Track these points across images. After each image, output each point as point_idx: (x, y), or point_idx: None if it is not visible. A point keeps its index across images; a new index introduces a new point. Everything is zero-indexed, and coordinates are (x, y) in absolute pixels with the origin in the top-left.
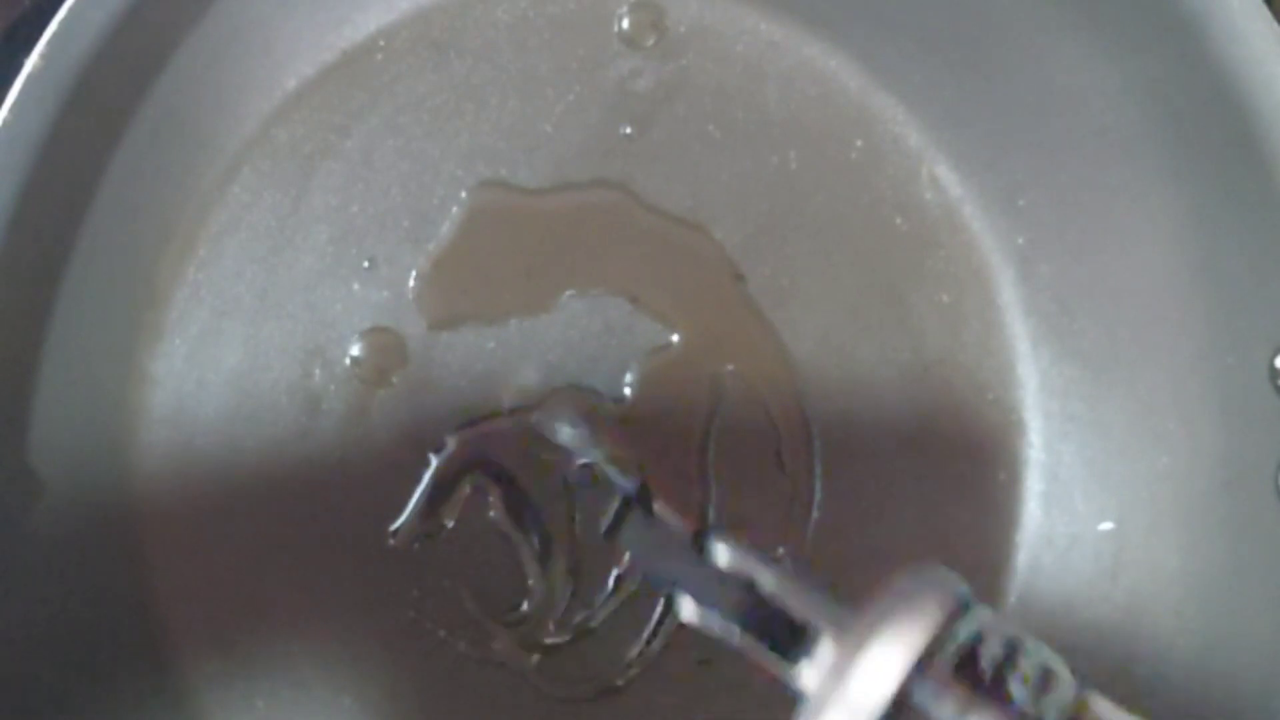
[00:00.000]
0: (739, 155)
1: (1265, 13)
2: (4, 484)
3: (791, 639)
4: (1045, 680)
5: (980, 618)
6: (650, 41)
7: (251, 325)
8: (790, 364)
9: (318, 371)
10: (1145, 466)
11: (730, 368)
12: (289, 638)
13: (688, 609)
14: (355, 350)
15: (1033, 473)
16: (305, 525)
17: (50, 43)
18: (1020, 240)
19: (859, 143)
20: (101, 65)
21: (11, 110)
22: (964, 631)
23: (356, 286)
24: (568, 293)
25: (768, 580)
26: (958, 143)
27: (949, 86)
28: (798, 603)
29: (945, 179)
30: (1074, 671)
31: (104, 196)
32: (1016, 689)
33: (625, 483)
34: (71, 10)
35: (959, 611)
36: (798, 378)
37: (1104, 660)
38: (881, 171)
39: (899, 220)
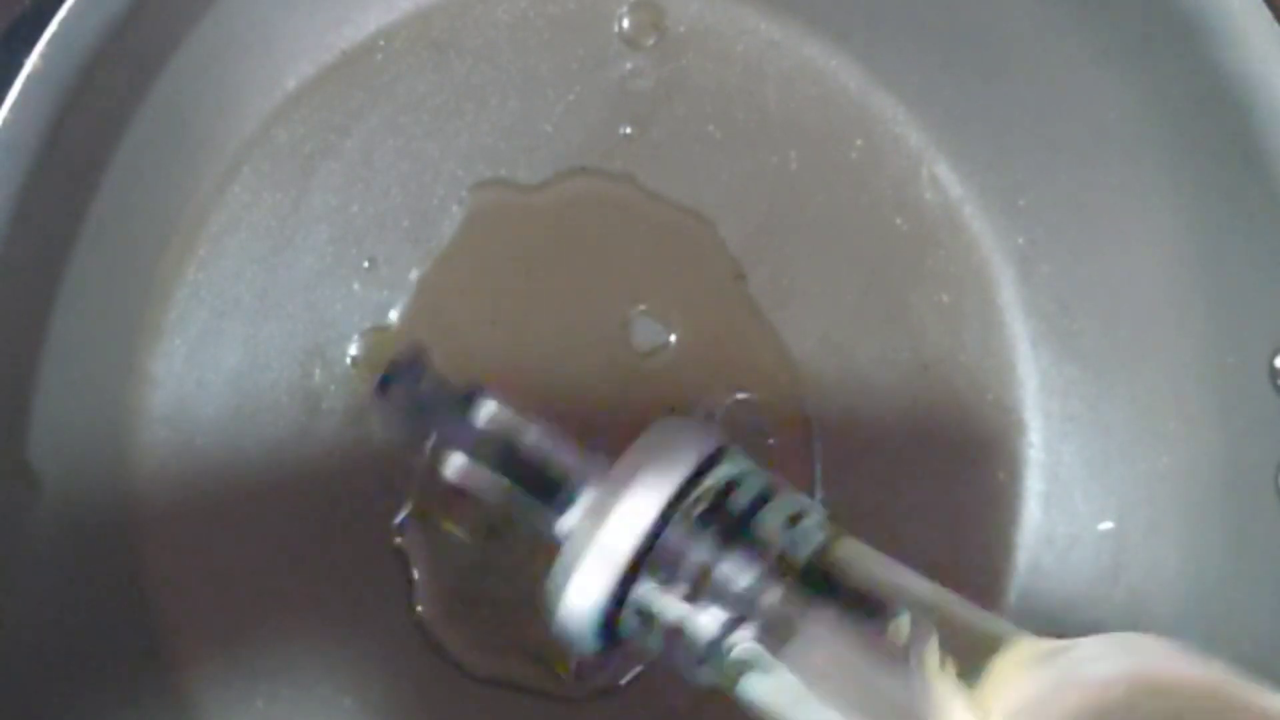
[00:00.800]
0: (739, 155)
1: (1266, 13)
2: (3, 483)
3: (553, 491)
4: (793, 521)
5: (733, 468)
6: (650, 41)
7: (251, 325)
8: (790, 363)
9: (318, 371)
10: (1145, 466)
11: (730, 367)
12: (289, 638)
13: (454, 465)
14: (355, 350)
15: (1032, 473)
16: (305, 525)
17: (50, 43)
18: (1020, 240)
19: (859, 143)
20: (102, 65)
21: (11, 110)
22: (716, 479)
23: (357, 286)
24: (567, 292)
25: (531, 434)
26: (958, 143)
27: (949, 87)
28: (559, 455)
29: (945, 179)
30: (828, 520)
31: (104, 196)
32: (764, 531)
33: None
34: (71, 10)
35: (710, 460)
36: (798, 377)
37: None
38: (882, 171)
39: (899, 220)
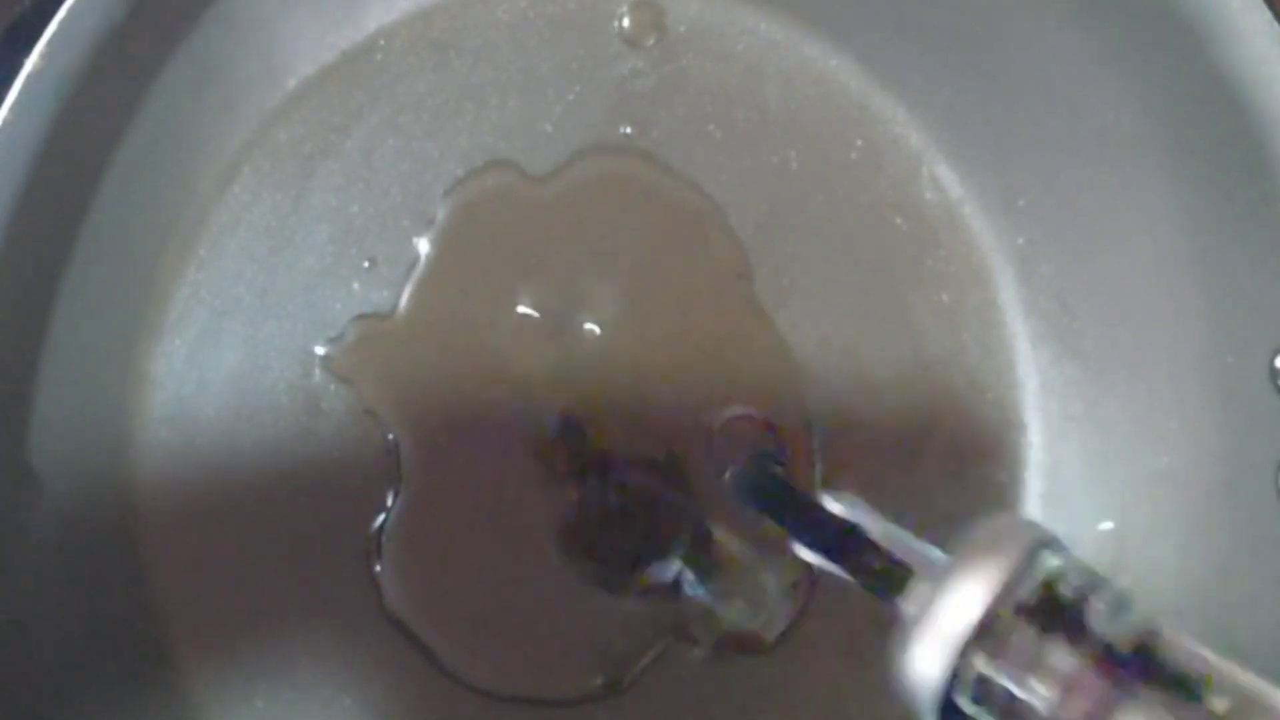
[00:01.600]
0: (739, 155)
1: (1266, 13)
2: (4, 484)
3: (891, 579)
4: (1118, 608)
5: (1060, 557)
6: (650, 41)
7: (251, 325)
8: (791, 363)
9: (317, 371)
10: (1145, 466)
11: (730, 366)
12: (289, 637)
13: (806, 554)
14: (324, 349)
15: (1033, 472)
16: (305, 524)
17: (50, 42)
18: (1020, 240)
19: (859, 143)
20: (102, 65)
21: (12, 110)
22: (1044, 568)
23: (357, 286)
24: (567, 292)
25: (873, 526)
26: (958, 143)
27: (949, 87)
28: (900, 548)
29: (945, 179)
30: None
31: (104, 196)
32: (1091, 619)
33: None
34: (71, 10)
35: (1038, 549)
36: (799, 376)
37: None
38: (882, 171)
39: (899, 220)
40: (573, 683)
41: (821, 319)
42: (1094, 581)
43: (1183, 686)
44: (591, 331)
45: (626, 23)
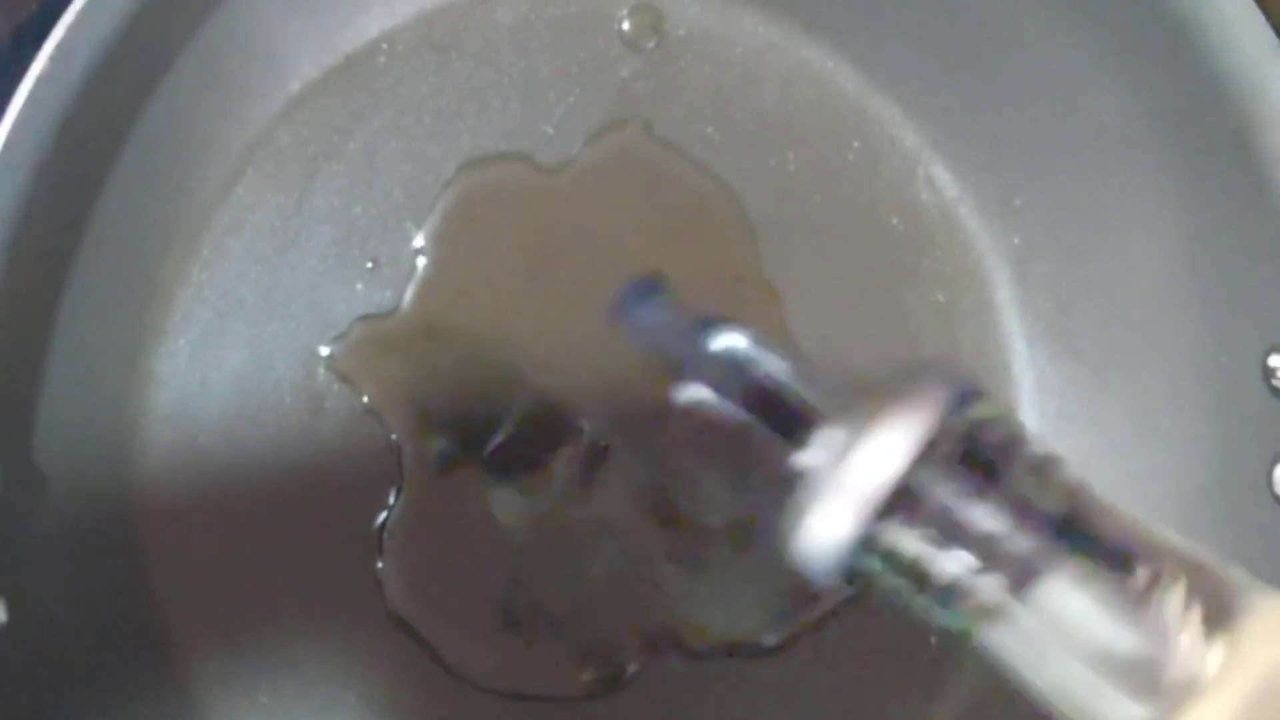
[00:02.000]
0: (738, 157)
1: (1258, 15)
2: (8, 482)
3: (794, 423)
4: (1044, 466)
5: (985, 408)
6: (650, 44)
7: (255, 325)
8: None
9: (321, 371)
10: (1140, 464)
11: None
12: (291, 635)
13: (691, 390)
14: (330, 349)
15: None
16: (308, 523)
17: (58, 45)
18: (1016, 240)
19: (856, 144)
20: (108, 68)
21: (20, 112)
22: (967, 420)
23: (360, 287)
24: (567, 292)
25: (773, 364)
26: (954, 144)
27: (945, 88)
28: (803, 387)
29: (941, 180)
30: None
31: (109, 197)
32: (1016, 475)
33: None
34: (78, 14)
35: (963, 400)
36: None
37: None
38: (878, 172)
39: (896, 221)
40: (573, 680)
41: (818, 318)
42: (1021, 436)
43: (1111, 552)
44: (592, 330)
45: (626, 26)
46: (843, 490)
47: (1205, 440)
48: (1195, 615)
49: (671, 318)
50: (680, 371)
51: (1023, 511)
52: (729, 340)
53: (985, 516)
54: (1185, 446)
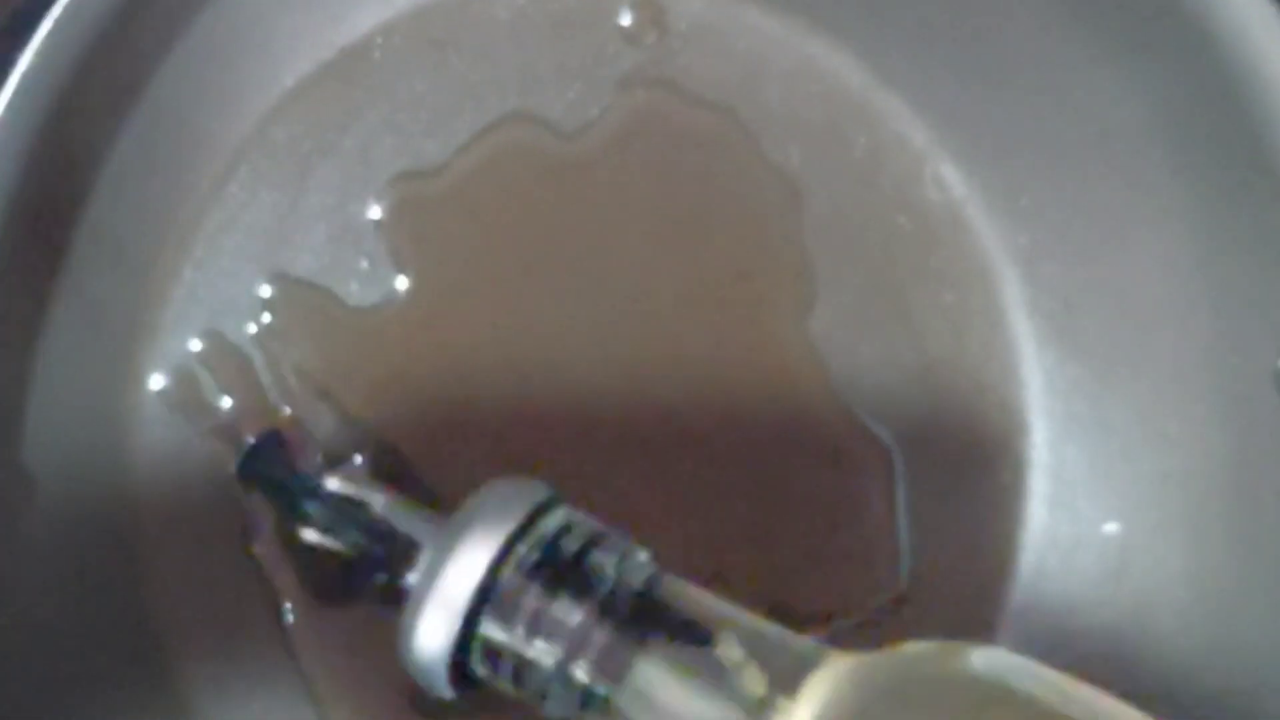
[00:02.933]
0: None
1: (1271, 11)
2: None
3: (403, 553)
4: (626, 558)
5: (561, 517)
6: (651, 39)
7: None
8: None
9: None
10: (1150, 468)
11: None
12: (288, 636)
13: (309, 534)
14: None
15: (1036, 474)
16: None
17: (46, 39)
18: (1024, 240)
19: (862, 141)
20: (97, 62)
21: (7, 107)
22: (547, 526)
23: (355, 287)
24: (567, 292)
25: (379, 503)
26: (961, 142)
27: (952, 86)
28: (403, 521)
29: (949, 178)
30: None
31: (99, 195)
32: (593, 572)
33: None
34: (67, 7)
35: (539, 508)
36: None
37: (1109, 662)
38: (884, 171)
39: (902, 219)
40: None
41: (824, 318)
42: (597, 536)
43: (691, 632)
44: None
45: (627, 20)
46: (436, 602)
47: (1216, 443)
48: (768, 685)
49: (289, 468)
50: (303, 518)
51: (602, 601)
52: (336, 484)
53: (567, 611)
54: (1196, 449)
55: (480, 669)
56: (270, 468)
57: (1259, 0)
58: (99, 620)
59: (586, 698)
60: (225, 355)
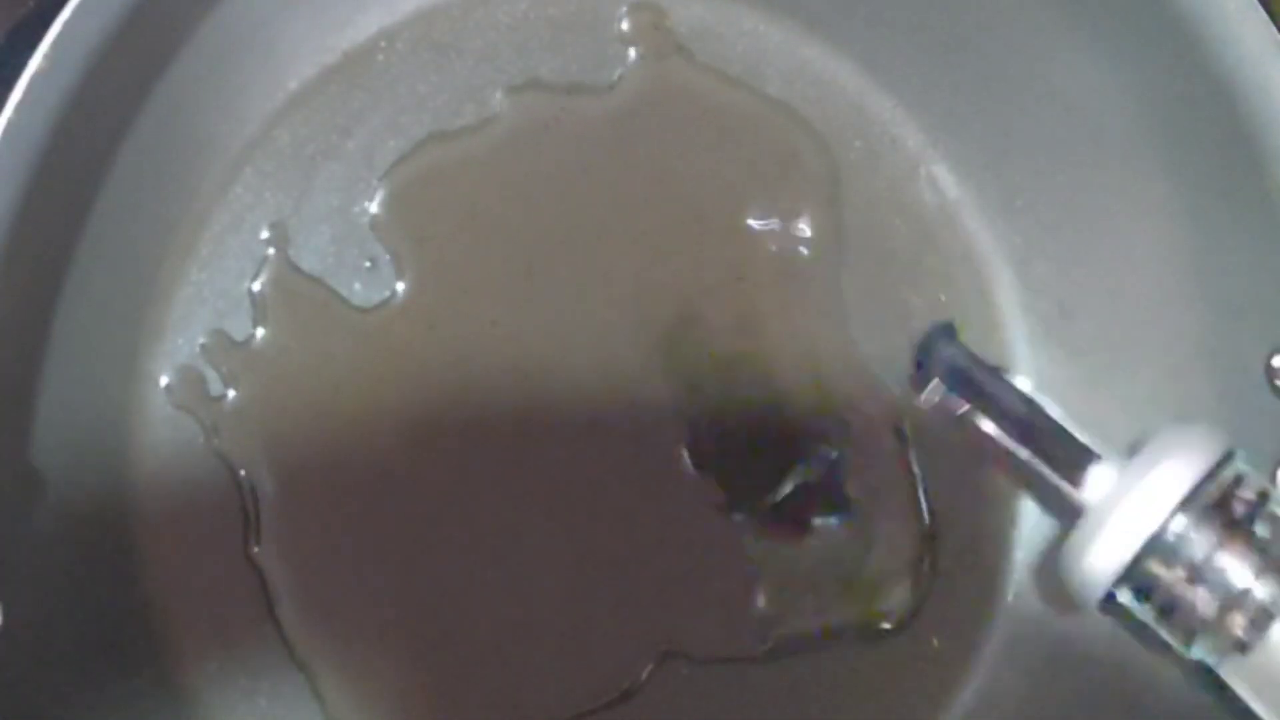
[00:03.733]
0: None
1: (1261, 15)
2: (6, 483)
3: (1071, 461)
4: None
5: (1238, 468)
6: (650, 43)
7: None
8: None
9: None
10: None
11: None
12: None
13: (988, 425)
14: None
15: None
16: None
17: (54, 43)
18: (1018, 240)
19: (857, 144)
20: (105, 66)
21: (16, 110)
22: (1223, 477)
23: (358, 286)
24: (567, 292)
25: (1053, 409)
26: (955, 144)
27: (947, 88)
28: (1076, 433)
29: (943, 180)
30: None
31: (106, 196)
32: (1261, 528)
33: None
34: (75, 11)
35: (1222, 459)
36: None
37: (1101, 661)
38: (880, 172)
39: (897, 220)
40: (581, 693)
41: (821, 319)
42: (1269, 493)
43: None
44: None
45: (626, 24)
46: (1118, 526)
47: None
48: None
49: (974, 361)
50: (983, 405)
51: (1266, 560)
52: (1020, 385)
53: (1232, 563)
54: None
55: (1124, 596)
56: (958, 353)
57: (1248, 4)
58: (103, 618)
59: (1224, 647)
60: (229, 354)
